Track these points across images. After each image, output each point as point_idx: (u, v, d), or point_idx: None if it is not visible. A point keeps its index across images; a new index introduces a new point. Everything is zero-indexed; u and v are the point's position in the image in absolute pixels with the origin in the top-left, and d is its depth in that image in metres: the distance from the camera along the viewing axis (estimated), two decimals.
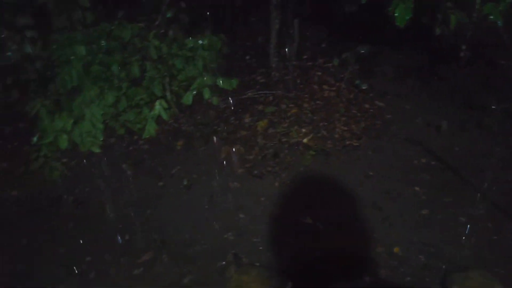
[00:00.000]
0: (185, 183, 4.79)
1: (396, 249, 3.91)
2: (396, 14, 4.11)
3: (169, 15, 5.82)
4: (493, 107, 5.56)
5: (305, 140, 5.28)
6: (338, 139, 5.32)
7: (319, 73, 6.43)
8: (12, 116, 5.36)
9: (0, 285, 3.58)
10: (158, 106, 5.41)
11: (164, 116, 5.48)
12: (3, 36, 4.52)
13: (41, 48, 5.12)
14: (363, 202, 4.38)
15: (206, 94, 5.46)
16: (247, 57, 7.10)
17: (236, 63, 6.81)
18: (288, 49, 6.52)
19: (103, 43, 5.23)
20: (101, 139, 5.15)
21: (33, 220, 4.34)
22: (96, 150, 5.10)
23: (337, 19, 7.29)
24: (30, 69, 5.22)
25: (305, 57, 6.72)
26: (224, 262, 3.84)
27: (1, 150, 5.05)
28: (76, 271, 3.75)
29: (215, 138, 5.42)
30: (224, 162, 5.06)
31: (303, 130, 5.43)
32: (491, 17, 4.10)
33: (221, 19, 7.45)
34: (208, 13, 6.92)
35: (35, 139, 4.92)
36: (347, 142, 5.28)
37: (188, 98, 5.60)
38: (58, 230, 4.24)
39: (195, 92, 5.64)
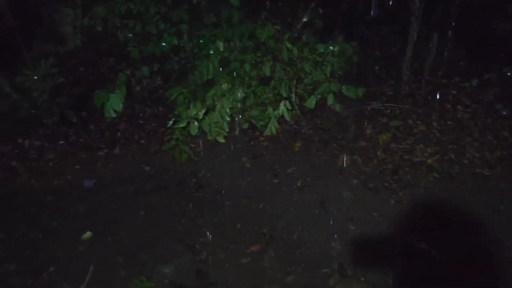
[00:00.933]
0: (298, 184, 4.86)
1: None
2: None
3: (305, 19, 5.95)
4: None
5: (429, 161, 4.99)
6: (467, 165, 4.93)
7: (454, 92, 6.02)
8: (154, 99, 5.96)
9: (123, 253, 4.01)
10: (282, 107, 5.60)
11: (287, 116, 5.64)
12: (161, 28, 5.04)
13: (187, 42, 5.62)
14: (488, 237, 4.01)
15: (330, 100, 5.48)
16: (377, 67, 6.94)
17: (365, 72, 6.68)
18: (422, 63, 6.22)
19: (239, 42, 5.56)
20: (227, 130, 5.50)
21: (158, 195, 4.79)
22: (221, 140, 5.46)
23: (482, 36, 6.73)
24: (175, 60, 5.76)
25: (440, 73, 6.35)
26: (328, 270, 3.83)
27: (141, 129, 5.65)
28: (190, 249, 4.05)
29: (333, 145, 5.40)
30: (340, 170, 5.02)
31: (429, 149, 5.13)
32: None
33: (354, 27, 7.37)
34: (341, 20, 6.91)
35: (170, 122, 5.44)
36: (478, 170, 4.86)
37: (311, 102, 5.69)
38: (178, 208, 4.61)
39: (319, 97, 5.71)
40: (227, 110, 5.52)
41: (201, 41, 5.07)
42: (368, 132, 5.55)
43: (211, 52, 5.41)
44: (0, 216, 4.47)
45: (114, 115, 5.66)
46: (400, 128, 5.47)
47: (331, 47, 5.67)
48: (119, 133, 5.57)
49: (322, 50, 5.66)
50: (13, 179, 4.92)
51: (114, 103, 5.58)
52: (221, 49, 5.42)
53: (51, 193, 4.78)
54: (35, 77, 4.90)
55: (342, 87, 5.47)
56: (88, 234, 4.28)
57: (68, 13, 6.34)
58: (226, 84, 5.50)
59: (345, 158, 5.18)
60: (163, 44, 5.06)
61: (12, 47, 5.70)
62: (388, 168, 4.98)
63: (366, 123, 5.66)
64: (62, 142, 5.35)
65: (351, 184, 4.82)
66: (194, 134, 5.38)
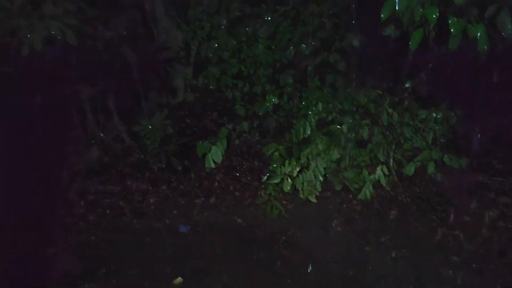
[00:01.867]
0: (392, 255, 4.63)
1: None
2: None
3: (407, 85, 5.89)
4: None
5: None
6: None
7: None
8: (251, 153, 6.20)
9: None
10: (379, 171, 5.48)
11: (383, 182, 5.50)
12: (266, 89, 5.31)
13: (287, 101, 5.84)
14: None
15: (431, 168, 5.26)
16: (483, 138, 6.53)
17: (469, 142, 6.33)
18: None
19: (339, 104, 5.63)
20: (319, 190, 5.50)
21: (248, 248, 4.85)
22: (313, 199, 5.46)
23: None
24: (274, 117, 5.98)
25: None
26: None
27: (237, 181, 5.88)
28: None
29: (432, 216, 5.11)
30: (439, 244, 4.70)
31: None
32: None
33: (459, 93, 7.10)
34: (445, 86, 6.71)
35: (265, 177, 5.59)
36: None
37: (410, 169, 5.50)
38: (267, 264, 4.62)
39: (419, 164, 5.50)
40: (321, 169, 5.54)
41: (303, 103, 5.23)
42: (471, 206, 5.18)
43: (309, 112, 5.56)
44: (104, 251, 4.85)
45: (213, 166, 5.99)
46: (510, 206, 5.03)
47: (433, 114, 5.51)
48: (216, 183, 5.83)
49: (423, 117, 5.52)
50: (119, 217, 5.34)
51: (215, 155, 5.93)
52: (320, 109, 5.55)
53: (150, 235, 5.09)
54: (150, 127, 5.40)
55: (444, 156, 5.24)
56: (179, 279, 4.45)
57: (180, 69, 6.98)
58: (322, 144, 5.57)
59: (445, 232, 4.86)
60: (268, 104, 5.32)
61: (133, 97, 6.38)
62: (495, 249, 4.56)
63: (470, 197, 5.29)
64: (164, 187, 5.74)
65: (451, 262, 4.48)
66: (286, 191, 5.46)
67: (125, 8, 6.27)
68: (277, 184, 5.43)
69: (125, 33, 4.79)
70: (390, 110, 5.54)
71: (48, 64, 5.04)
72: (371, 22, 4.91)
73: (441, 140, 5.61)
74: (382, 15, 3.76)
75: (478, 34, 3.54)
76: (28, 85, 5.47)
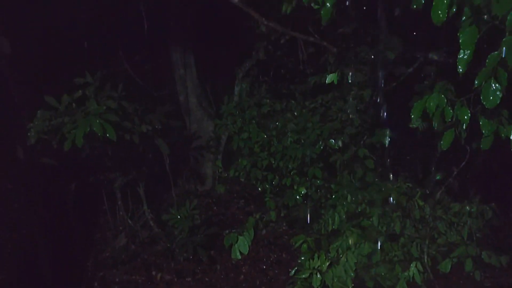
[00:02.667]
0: None
1: None
2: None
3: (438, 177, 5.81)
4: None
5: None
6: None
7: None
8: (278, 244, 6.08)
9: None
10: (413, 268, 5.22)
11: (418, 279, 5.21)
12: (295, 181, 5.35)
13: (314, 192, 5.82)
14: None
15: (468, 266, 4.99)
16: None
17: (509, 239, 6.06)
18: None
19: (368, 195, 5.57)
20: (350, 286, 5.23)
21: None
22: None
23: None
24: (302, 208, 5.93)
25: None
26: None
27: (264, 274, 5.71)
28: None
29: None
30: None
31: None
32: None
33: (492, 186, 6.95)
34: (478, 178, 6.59)
35: (292, 271, 5.40)
36: None
37: (446, 266, 5.22)
38: None
39: (455, 260, 5.24)
40: (352, 264, 5.33)
41: (333, 196, 5.20)
42: None
43: (338, 203, 5.49)
44: None
45: (239, 257, 5.85)
46: None
47: (467, 208, 5.36)
48: (242, 276, 5.66)
49: (457, 210, 5.37)
50: None
51: (242, 246, 5.81)
52: (348, 200, 5.48)
53: None
54: (179, 217, 5.42)
55: (482, 253, 4.99)
56: None
57: (210, 157, 7.15)
58: (352, 237, 5.41)
59: None
60: (298, 197, 5.33)
61: (162, 185, 6.50)
62: None
63: None
64: (189, 279, 5.60)
65: None
66: (316, 286, 5.23)
67: (162, 100, 6.66)
68: (305, 279, 5.21)
69: (159, 127, 5.02)
70: (421, 203, 5.42)
71: (85, 153, 5.25)
72: (400, 114, 5.01)
73: (477, 235, 5.38)
74: (412, 116, 3.84)
75: (511, 135, 3.54)
76: (66, 175, 5.67)
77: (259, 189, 5.52)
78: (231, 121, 5.65)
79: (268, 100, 5.54)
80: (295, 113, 5.31)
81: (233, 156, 6.13)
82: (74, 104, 4.30)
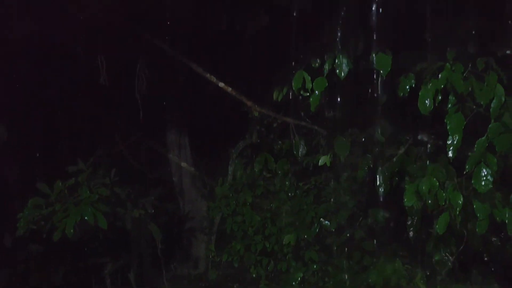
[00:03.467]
0: None
1: None
2: None
3: (437, 257, 5.66)
4: None
5: None
6: None
7: None
8: None
9: None
10: None
11: None
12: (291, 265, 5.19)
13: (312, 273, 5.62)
14: None
15: None
16: None
17: None
18: None
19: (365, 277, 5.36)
20: None
21: None
22: None
23: None
24: None
25: None
26: None
27: None
28: None
29: None
30: None
31: None
32: None
33: (492, 267, 6.75)
34: (475, 259, 6.40)
35: None
36: None
37: None
38: None
39: None
40: None
41: (331, 280, 5.03)
42: None
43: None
44: None
45: None
46: None
47: None
48: None
49: None
50: None
51: None
52: (347, 285, 5.28)
53: None
54: None
55: None
56: None
57: (203, 239, 6.97)
58: None
59: None
60: (294, 283, 5.15)
61: (154, 269, 6.26)
62: None
63: None
64: None
65: None
66: None
67: (156, 181, 6.63)
68: None
69: (152, 211, 4.97)
70: (423, 286, 5.25)
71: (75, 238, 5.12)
72: (394, 195, 4.99)
73: None
74: (405, 200, 3.85)
75: (507, 219, 3.52)
76: (54, 261, 5.47)
77: (253, 275, 5.33)
78: (225, 204, 5.60)
79: (262, 182, 5.56)
80: (290, 194, 5.30)
81: (226, 239, 5.98)
82: (66, 191, 4.27)
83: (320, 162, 4.86)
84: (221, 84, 4.42)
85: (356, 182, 4.93)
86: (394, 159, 5.14)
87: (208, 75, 4.55)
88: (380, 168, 5.14)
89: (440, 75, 3.47)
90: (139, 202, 4.87)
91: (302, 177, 5.46)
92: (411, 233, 5.09)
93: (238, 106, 5.40)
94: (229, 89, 4.18)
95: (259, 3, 4.77)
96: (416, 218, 4.53)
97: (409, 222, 4.85)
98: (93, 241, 5.37)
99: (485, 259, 6.43)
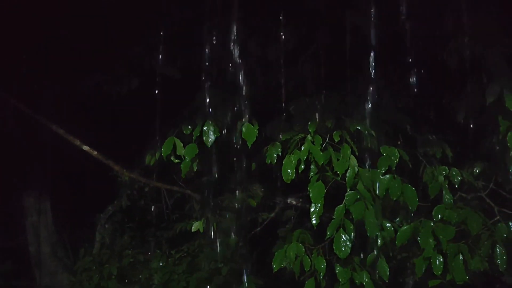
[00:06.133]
0: None
1: None
2: None
3: None
4: None
5: None
6: None
7: None
8: None
9: None
10: None
11: None
12: None
13: None
14: None
15: None
16: None
17: None
18: None
19: None
20: None
21: None
22: None
23: None
24: None
25: None
26: None
27: None
28: None
29: None
30: None
31: None
32: None
33: None
34: None
35: None
36: None
37: None
38: None
39: None
40: None
41: None
42: None
43: None
44: None
45: None
46: None
47: None
48: None
49: None
50: None
51: None
52: None
53: None
54: None
55: None
56: None
57: None
58: None
59: None
60: None
61: None
62: None
63: None
64: None
65: None
66: None
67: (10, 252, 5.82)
68: None
69: None
70: None
71: None
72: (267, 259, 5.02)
73: None
74: (274, 266, 3.88)
75: (365, 282, 3.72)
76: None
77: None
78: (87, 278, 5.06)
79: (130, 251, 5.19)
80: (161, 263, 5.01)
81: None
82: None
83: (193, 228, 4.73)
84: (86, 148, 4.14)
85: (230, 248, 4.89)
86: (265, 223, 5.27)
87: (71, 137, 4.23)
88: (253, 233, 5.24)
89: (302, 147, 3.69)
90: None
91: (175, 244, 5.26)
92: None
93: (108, 170, 5.10)
94: (95, 152, 3.93)
95: (128, 66, 4.71)
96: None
97: None
98: None
99: None
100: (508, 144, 3.62)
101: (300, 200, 5.28)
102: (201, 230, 4.74)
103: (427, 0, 4.07)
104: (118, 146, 4.88)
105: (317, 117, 3.86)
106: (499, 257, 3.48)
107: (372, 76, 4.32)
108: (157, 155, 4.40)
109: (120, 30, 4.39)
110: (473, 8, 3.55)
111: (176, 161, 3.89)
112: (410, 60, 4.08)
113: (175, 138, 3.91)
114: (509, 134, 3.60)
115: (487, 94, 3.45)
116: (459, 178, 3.91)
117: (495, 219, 3.85)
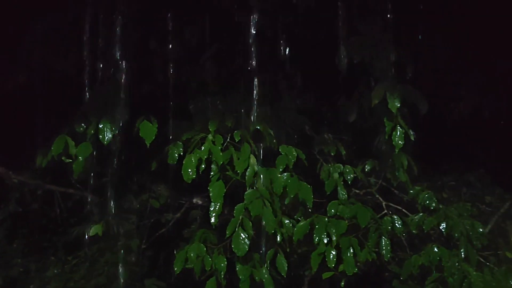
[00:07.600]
0: None
1: None
2: None
3: None
4: None
5: None
6: None
7: None
8: None
9: None
10: None
11: None
12: None
13: None
14: None
15: None
16: None
17: None
18: None
19: None
20: None
21: None
22: None
23: None
24: None
25: None
26: None
27: None
28: None
29: None
30: None
31: None
32: None
33: None
34: None
35: None
36: None
37: None
38: None
39: None
40: None
41: None
42: None
43: None
44: None
45: None
46: None
47: None
48: None
49: None
50: None
51: None
52: None
53: None
54: None
55: None
56: None
57: None
58: None
59: None
60: None
61: None
62: None
63: None
64: None
65: None
66: None
67: None
68: None
69: None
70: None
71: None
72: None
73: None
74: (176, 268, 3.82)
75: (265, 278, 3.80)
76: None
77: None
78: None
79: (19, 260, 4.79)
80: (55, 271, 4.69)
81: None
82: None
83: (91, 233, 4.50)
84: None
85: (131, 252, 4.73)
86: (171, 224, 5.18)
87: None
88: (158, 235, 5.12)
89: (203, 147, 3.67)
90: None
91: (72, 249, 4.95)
92: None
93: None
94: None
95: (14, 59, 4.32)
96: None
97: None
98: None
99: None
100: (393, 143, 3.93)
101: (206, 199, 5.26)
102: (100, 234, 4.52)
103: (324, 7, 4.26)
104: (4, 147, 4.46)
105: (217, 117, 3.87)
106: (384, 247, 3.76)
107: (274, 77, 4.44)
108: (49, 155, 4.11)
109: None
110: (361, 17, 3.81)
111: (68, 161, 3.65)
112: (308, 62, 4.25)
113: (66, 137, 3.67)
114: (393, 134, 3.91)
115: (373, 96, 3.72)
116: (352, 175, 4.14)
117: (383, 213, 4.18)
